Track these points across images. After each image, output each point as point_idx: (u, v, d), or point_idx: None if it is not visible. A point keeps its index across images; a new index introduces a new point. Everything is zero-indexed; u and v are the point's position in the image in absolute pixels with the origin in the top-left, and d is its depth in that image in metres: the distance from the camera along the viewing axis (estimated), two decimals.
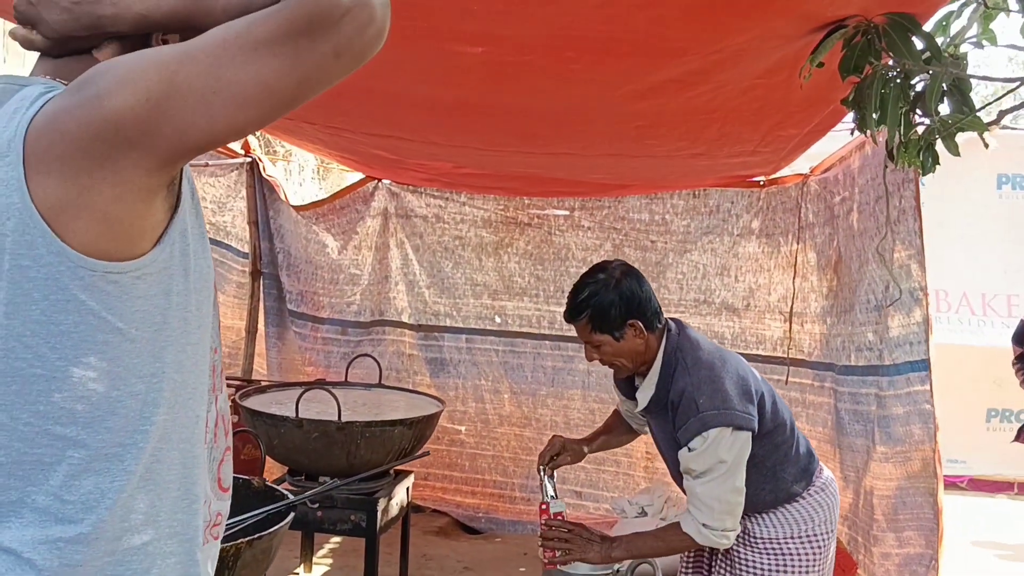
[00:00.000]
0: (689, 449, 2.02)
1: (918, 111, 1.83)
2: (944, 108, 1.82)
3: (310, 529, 3.15)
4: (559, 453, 2.37)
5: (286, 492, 2.25)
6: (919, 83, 1.81)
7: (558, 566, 2.26)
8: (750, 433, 2.03)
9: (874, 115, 1.76)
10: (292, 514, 2.11)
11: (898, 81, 1.76)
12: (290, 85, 0.85)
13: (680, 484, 2.16)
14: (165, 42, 0.97)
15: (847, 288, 3.27)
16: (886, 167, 2.52)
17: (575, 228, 4.23)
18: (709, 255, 3.98)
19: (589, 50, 2.03)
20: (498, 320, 4.37)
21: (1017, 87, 2.01)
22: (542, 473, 2.32)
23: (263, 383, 3.94)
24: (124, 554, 0.90)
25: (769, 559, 2.16)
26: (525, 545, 4.06)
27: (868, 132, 1.82)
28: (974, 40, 1.96)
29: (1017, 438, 4.37)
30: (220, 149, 4.20)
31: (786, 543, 2.16)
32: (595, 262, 2.28)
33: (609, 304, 2.06)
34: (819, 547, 2.18)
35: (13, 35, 0.99)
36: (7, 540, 0.87)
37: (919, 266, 2.74)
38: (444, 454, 4.36)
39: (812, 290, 3.64)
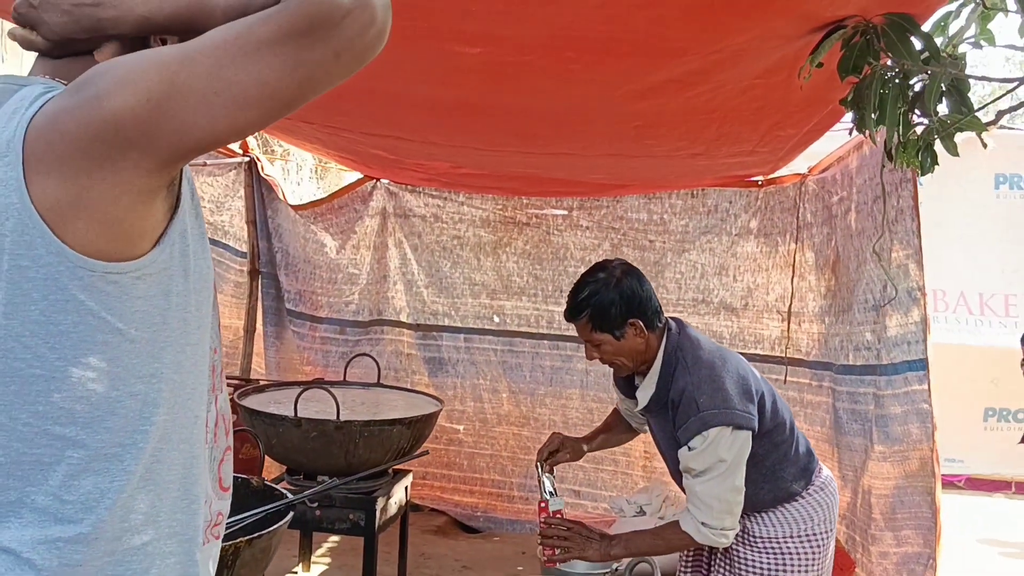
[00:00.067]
0: (689, 448, 2.02)
1: (917, 111, 1.84)
2: (943, 108, 1.82)
3: (309, 528, 3.15)
4: (558, 450, 2.37)
5: (285, 491, 2.25)
6: (918, 83, 1.81)
7: (557, 564, 2.27)
8: (750, 432, 2.03)
9: (873, 115, 1.77)
10: (291, 513, 2.11)
11: (897, 81, 1.76)
12: (291, 86, 0.84)
13: (679, 483, 2.17)
14: (164, 42, 0.97)
15: (845, 288, 3.28)
16: (883, 167, 2.53)
17: (573, 228, 4.23)
18: (707, 255, 3.98)
19: (589, 50, 2.03)
20: (496, 320, 4.37)
21: (1015, 87, 2.02)
22: (540, 469, 2.32)
23: (261, 382, 3.94)
24: (124, 554, 0.90)
25: (768, 558, 2.16)
26: (523, 544, 4.07)
27: (867, 132, 1.82)
28: (972, 40, 1.97)
29: None
30: (218, 148, 4.19)
31: (785, 542, 2.16)
32: (593, 262, 2.28)
33: (609, 303, 2.06)
34: (818, 546, 2.18)
35: (12, 35, 0.99)
36: (6, 540, 0.87)
37: (917, 266, 2.75)
38: (442, 453, 4.36)
39: (810, 290, 3.65)
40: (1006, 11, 1.94)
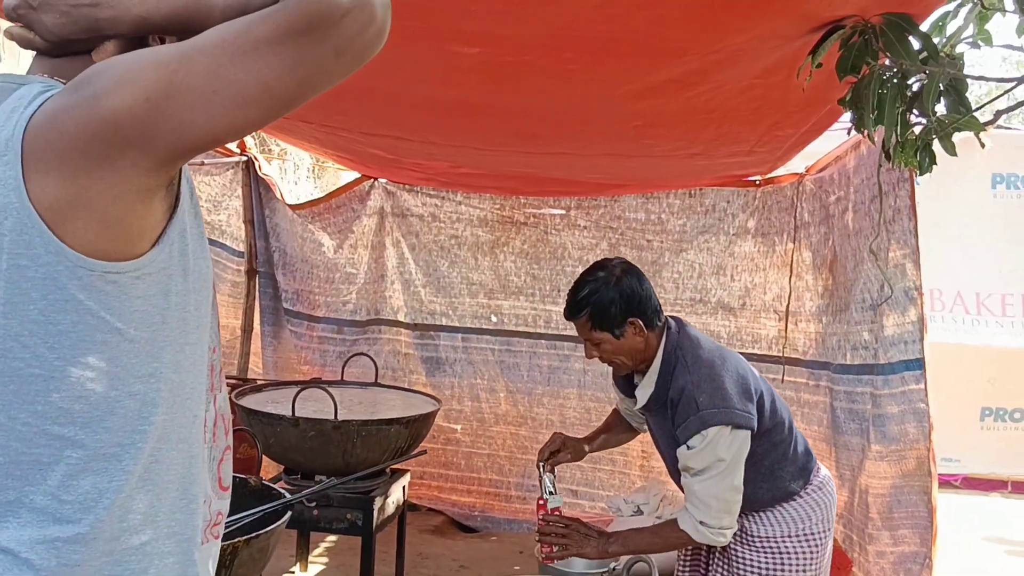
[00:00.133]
0: (688, 447, 2.02)
1: (915, 111, 1.84)
2: (941, 108, 1.82)
3: (306, 528, 3.14)
4: (559, 450, 2.38)
5: (282, 491, 2.25)
6: (916, 83, 1.82)
7: (555, 561, 2.27)
8: (749, 432, 2.04)
9: (871, 115, 1.77)
10: (289, 513, 2.11)
11: (895, 81, 1.77)
12: (290, 85, 0.84)
13: (677, 482, 2.17)
14: (162, 41, 0.97)
15: (842, 287, 3.28)
16: (880, 166, 2.53)
17: (571, 227, 4.23)
18: (705, 254, 3.99)
19: (588, 50, 2.03)
20: (494, 319, 4.37)
21: (1013, 87, 2.02)
22: (541, 469, 2.33)
23: (259, 382, 3.94)
24: (122, 554, 0.90)
25: (766, 557, 2.16)
26: (521, 543, 4.07)
27: (865, 132, 1.82)
28: (970, 40, 1.97)
29: None
30: (217, 148, 4.18)
31: (783, 541, 2.17)
32: (591, 261, 2.28)
33: (609, 302, 2.06)
34: (816, 545, 2.18)
35: (9, 34, 0.98)
36: (5, 540, 0.87)
37: (914, 265, 2.75)
38: (440, 453, 4.36)
39: (807, 289, 3.65)
40: (1004, 11, 1.94)
